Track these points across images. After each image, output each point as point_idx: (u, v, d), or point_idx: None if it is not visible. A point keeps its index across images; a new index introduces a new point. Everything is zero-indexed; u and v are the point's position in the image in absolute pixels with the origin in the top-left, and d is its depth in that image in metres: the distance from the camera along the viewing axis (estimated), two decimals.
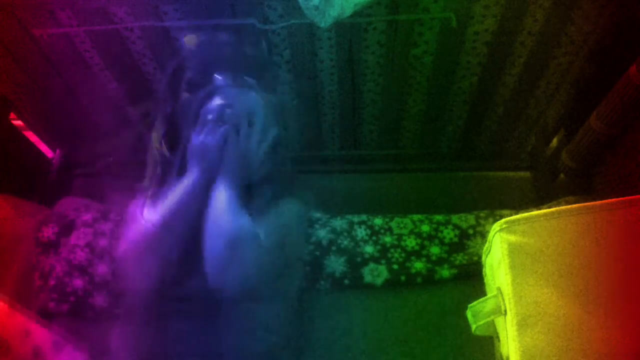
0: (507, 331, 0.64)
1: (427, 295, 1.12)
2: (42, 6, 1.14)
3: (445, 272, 1.14)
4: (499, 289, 0.67)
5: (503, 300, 0.65)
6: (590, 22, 1.10)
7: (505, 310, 0.64)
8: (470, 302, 0.73)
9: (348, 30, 1.16)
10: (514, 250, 0.66)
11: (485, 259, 0.75)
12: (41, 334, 0.82)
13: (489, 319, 0.68)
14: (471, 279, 1.10)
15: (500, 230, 0.68)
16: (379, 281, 1.13)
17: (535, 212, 0.67)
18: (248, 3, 1.12)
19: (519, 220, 0.67)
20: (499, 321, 0.68)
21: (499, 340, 0.71)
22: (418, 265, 1.16)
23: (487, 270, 0.75)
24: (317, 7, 0.99)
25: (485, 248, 0.74)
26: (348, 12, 0.99)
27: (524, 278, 0.63)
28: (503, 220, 0.68)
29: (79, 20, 1.18)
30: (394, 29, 1.15)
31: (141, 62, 1.29)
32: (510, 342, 0.62)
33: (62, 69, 1.31)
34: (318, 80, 1.30)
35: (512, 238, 0.66)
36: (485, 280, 0.79)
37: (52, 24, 1.19)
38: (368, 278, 1.13)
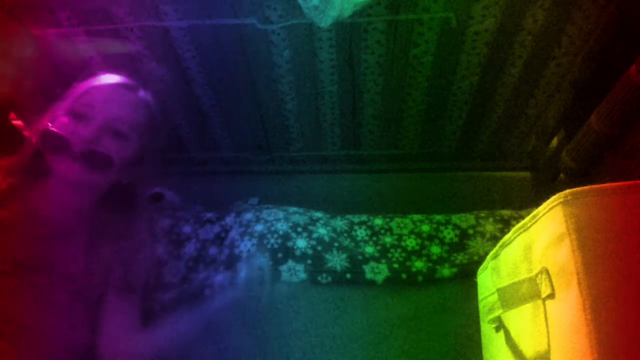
0: (556, 318, 0.58)
1: (427, 293, 1.13)
2: (42, 6, 1.14)
3: (445, 271, 1.14)
4: (544, 269, 0.61)
5: (551, 282, 0.59)
6: (590, 22, 1.10)
7: (553, 294, 0.58)
8: (471, 301, 0.71)
9: (348, 30, 1.16)
10: (583, 226, 0.57)
11: (514, 238, 0.69)
12: None
13: (524, 303, 0.63)
14: (471, 277, 1.10)
15: (564, 202, 0.59)
16: (380, 278, 1.13)
17: (603, 185, 0.59)
18: (248, 3, 1.12)
19: (586, 192, 0.58)
20: (518, 312, 0.65)
21: (509, 335, 0.69)
22: (419, 264, 1.16)
23: (515, 251, 0.69)
24: (317, 7, 0.99)
25: (518, 226, 0.67)
26: (348, 12, 0.99)
27: (596, 257, 0.56)
28: (567, 191, 0.59)
29: (79, 20, 1.18)
30: (394, 29, 1.15)
31: (141, 62, 1.29)
32: (572, 329, 0.55)
33: (62, 69, 1.30)
34: (318, 80, 1.30)
35: (580, 212, 0.57)
36: (490, 266, 0.77)
37: (52, 24, 1.19)
38: (369, 275, 1.14)
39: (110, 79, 1.05)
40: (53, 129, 0.95)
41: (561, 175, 1.28)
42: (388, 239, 1.21)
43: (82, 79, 1.05)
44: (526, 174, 1.48)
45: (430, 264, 1.16)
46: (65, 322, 0.91)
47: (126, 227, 1.04)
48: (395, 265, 1.16)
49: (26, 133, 1.09)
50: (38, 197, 0.99)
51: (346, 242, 1.20)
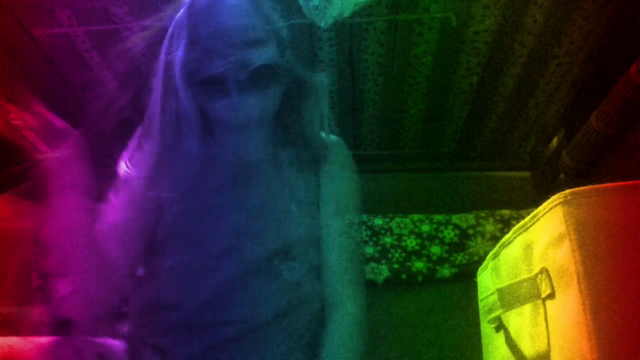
0: (556, 318, 0.57)
1: (427, 293, 1.13)
2: (42, 6, 1.14)
3: (446, 271, 1.14)
4: (544, 269, 0.61)
5: (551, 282, 0.59)
6: (590, 22, 1.10)
7: (553, 294, 0.58)
8: (471, 301, 0.70)
9: (348, 30, 1.16)
10: (583, 226, 0.56)
11: (514, 238, 0.69)
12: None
13: (524, 303, 0.63)
14: (471, 277, 1.10)
15: (564, 202, 0.58)
16: (380, 279, 1.14)
17: (603, 185, 0.58)
18: None
19: (586, 192, 0.58)
20: (518, 312, 0.65)
21: (508, 335, 0.69)
22: (419, 264, 1.16)
23: (515, 251, 0.69)
24: (317, 7, 0.99)
25: (518, 226, 0.67)
26: (348, 12, 0.99)
27: (596, 257, 0.55)
28: (567, 191, 0.58)
29: (79, 20, 1.18)
30: (394, 29, 1.15)
31: (141, 62, 1.29)
32: (572, 329, 0.55)
33: (62, 69, 1.31)
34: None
35: (580, 212, 0.57)
36: (490, 266, 0.77)
37: (52, 24, 1.19)
38: (370, 275, 1.14)
39: None
40: (207, 73, 0.86)
41: (561, 175, 1.28)
42: (388, 239, 1.21)
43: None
44: (526, 174, 1.48)
45: (430, 264, 1.16)
46: None
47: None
48: (396, 266, 1.16)
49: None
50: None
51: (346, 243, 1.20)
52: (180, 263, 0.89)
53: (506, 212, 1.27)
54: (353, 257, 0.99)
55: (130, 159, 0.96)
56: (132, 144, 0.98)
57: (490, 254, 0.78)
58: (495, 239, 1.19)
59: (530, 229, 0.65)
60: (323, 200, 0.98)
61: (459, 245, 1.20)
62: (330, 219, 0.98)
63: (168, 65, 0.92)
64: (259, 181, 0.94)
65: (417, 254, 1.19)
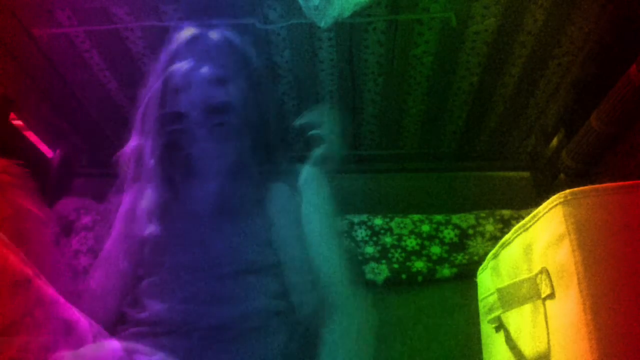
0: (556, 318, 0.58)
1: (427, 293, 1.13)
2: (42, 6, 1.14)
3: (446, 271, 1.14)
4: (544, 269, 0.61)
5: (551, 282, 0.59)
6: (590, 22, 1.10)
7: (553, 294, 0.59)
8: (471, 301, 0.70)
9: (348, 30, 1.16)
10: (583, 226, 0.57)
11: (514, 238, 0.69)
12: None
13: (524, 303, 0.63)
14: (471, 277, 1.10)
15: (564, 202, 0.58)
16: (380, 279, 1.14)
17: (603, 185, 0.59)
18: (248, 3, 1.12)
19: (586, 192, 0.58)
20: (518, 312, 0.65)
21: (508, 335, 0.69)
22: (419, 264, 1.16)
23: (515, 251, 0.69)
24: (317, 7, 0.99)
25: (518, 226, 0.68)
26: (348, 12, 0.99)
27: (596, 257, 0.56)
28: (567, 191, 0.59)
29: (79, 20, 1.18)
30: (394, 29, 1.15)
31: (141, 62, 1.29)
32: (572, 329, 0.55)
33: (62, 69, 1.31)
34: (318, 80, 1.30)
35: (580, 212, 0.57)
36: (490, 266, 0.77)
37: (52, 24, 1.19)
38: (369, 275, 1.14)
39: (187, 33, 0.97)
40: (206, 73, 0.90)
41: (561, 175, 1.28)
42: (388, 239, 1.21)
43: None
44: (526, 174, 1.48)
45: (430, 264, 1.16)
46: None
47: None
48: (395, 266, 1.16)
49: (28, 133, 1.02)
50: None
51: (346, 243, 1.20)
52: (180, 263, 0.89)
53: (506, 212, 1.27)
54: (353, 257, 0.99)
55: (130, 159, 0.96)
56: (132, 143, 0.98)
57: (490, 254, 0.78)
58: (495, 239, 1.19)
59: (530, 229, 0.66)
60: (322, 201, 0.99)
61: (459, 245, 1.20)
62: (329, 219, 0.98)
63: (168, 65, 0.93)
64: (259, 180, 0.95)
65: (417, 253, 1.19)
